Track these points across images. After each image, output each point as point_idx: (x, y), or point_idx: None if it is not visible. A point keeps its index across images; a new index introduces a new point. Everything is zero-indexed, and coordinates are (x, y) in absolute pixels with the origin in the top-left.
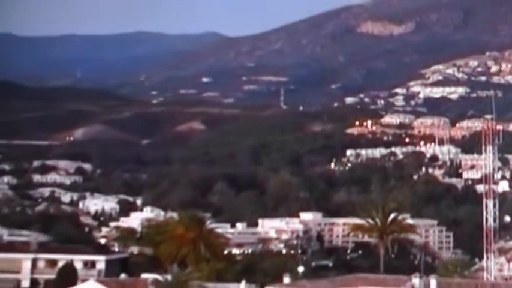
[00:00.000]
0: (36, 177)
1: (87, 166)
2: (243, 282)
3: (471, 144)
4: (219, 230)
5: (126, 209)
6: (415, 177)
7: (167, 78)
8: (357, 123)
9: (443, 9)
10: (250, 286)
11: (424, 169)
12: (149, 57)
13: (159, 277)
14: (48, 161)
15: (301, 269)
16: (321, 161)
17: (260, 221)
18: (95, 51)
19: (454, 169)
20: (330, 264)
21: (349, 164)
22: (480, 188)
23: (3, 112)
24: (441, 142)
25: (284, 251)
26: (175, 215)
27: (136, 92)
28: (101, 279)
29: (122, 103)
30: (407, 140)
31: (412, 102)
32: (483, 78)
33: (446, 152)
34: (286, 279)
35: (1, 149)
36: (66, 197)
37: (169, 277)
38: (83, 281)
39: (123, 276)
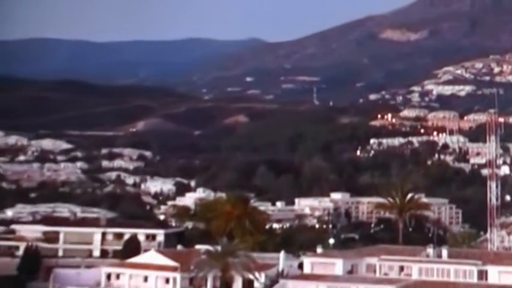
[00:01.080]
0: (105, 163)
1: (147, 153)
2: (282, 252)
3: (477, 134)
4: (261, 208)
5: (182, 190)
6: (429, 162)
7: (216, 78)
8: (379, 116)
9: (453, 19)
10: (288, 256)
11: (436, 155)
12: (201, 60)
13: (210, 248)
14: (115, 149)
15: (331, 241)
16: (349, 149)
17: (296, 200)
18: (155, 55)
19: (462, 155)
20: (356, 237)
21: (372, 151)
22: (484, 171)
23: (77, 107)
24: (451, 132)
25: (317, 226)
26: (223, 195)
27: (189, 90)
28: (161, 249)
29: (178, 99)
30: (422, 130)
31: (426, 99)
32: (487, 78)
33: (455, 141)
34: (319, 250)
35: (75, 138)
36: (130, 180)
37: (219, 248)
38: (145, 251)
39: (179, 247)
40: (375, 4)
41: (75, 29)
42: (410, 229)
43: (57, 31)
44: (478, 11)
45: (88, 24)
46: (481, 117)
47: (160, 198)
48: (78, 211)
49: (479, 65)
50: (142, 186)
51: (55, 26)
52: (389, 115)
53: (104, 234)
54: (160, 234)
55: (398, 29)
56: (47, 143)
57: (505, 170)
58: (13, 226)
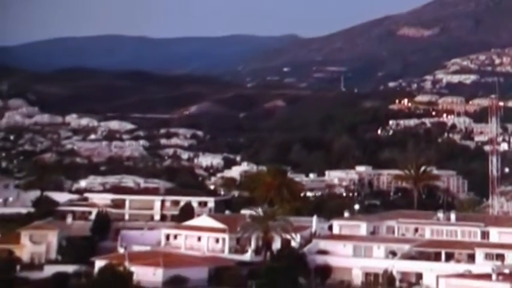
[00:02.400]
0: (163, 141)
1: (199, 133)
2: (315, 217)
3: (480, 116)
4: (297, 179)
5: (229, 163)
6: (439, 140)
7: (257, 68)
8: (396, 101)
9: (460, 18)
10: (320, 219)
11: (446, 134)
12: (244, 53)
13: (253, 213)
14: (172, 129)
15: (356, 207)
16: (371, 129)
17: (327, 172)
18: (204, 49)
19: (468, 134)
20: (378, 203)
21: (391, 131)
22: (487, 148)
23: (140, 93)
24: (458, 115)
25: (344, 194)
26: (264, 168)
27: (235, 78)
28: (211, 214)
29: (225, 87)
30: (433, 113)
31: (437, 86)
32: (489, 68)
33: (462, 122)
34: (346, 214)
35: (137, 120)
36: (184, 155)
37: (261, 213)
38: (198, 215)
39: (227, 212)
40: (393, 5)
41: (136, 27)
42: (424, 197)
43: (121, 29)
44: (481, 12)
45: (147, 23)
46: (483, 102)
47: (211, 171)
48: (141, 182)
49: (482, 57)
50: (195, 160)
51: (119, 24)
52: (406, 100)
53: (163, 202)
54: (211, 201)
55: (413, 27)
56: (114, 124)
57: (504, 146)
58: (86, 194)
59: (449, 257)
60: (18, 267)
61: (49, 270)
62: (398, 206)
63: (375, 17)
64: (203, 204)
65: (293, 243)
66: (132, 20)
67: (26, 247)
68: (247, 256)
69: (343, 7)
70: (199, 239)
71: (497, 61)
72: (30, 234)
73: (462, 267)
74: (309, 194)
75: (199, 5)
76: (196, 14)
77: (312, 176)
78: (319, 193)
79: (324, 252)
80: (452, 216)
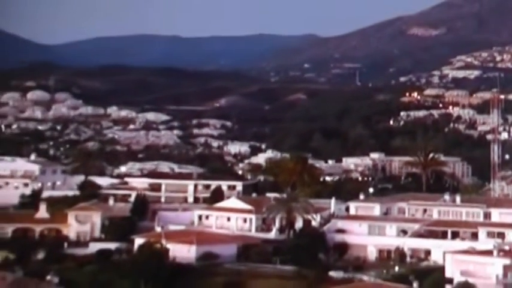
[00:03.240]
0: (195, 131)
1: (228, 123)
2: (333, 199)
3: (483, 108)
4: (317, 165)
5: (255, 151)
6: (446, 129)
7: (280, 64)
8: (407, 94)
9: (464, 19)
10: (338, 201)
11: (451, 124)
12: (268, 51)
13: (277, 195)
14: (203, 120)
15: (371, 190)
16: (384, 119)
17: (344, 158)
18: (232, 47)
19: (472, 124)
20: (390, 187)
21: (402, 121)
22: (489, 136)
23: (173, 88)
24: (463, 107)
25: (359, 178)
26: (287, 155)
27: (260, 74)
28: (239, 197)
29: (251, 81)
30: (440, 105)
31: (444, 81)
32: (491, 65)
33: (466, 113)
34: (361, 197)
35: (172, 112)
36: (215, 144)
37: (284, 195)
38: (227, 197)
39: (253, 195)
40: (404, 7)
41: (169, 27)
42: (431, 181)
43: (155, 29)
44: (484, 13)
45: (179, 23)
46: (486, 95)
47: (239, 157)
48: (176, 167)
49: (484, 54)
50: (225, 148)
51: (153, 25)
52: (415, 93)
53: (195, 185)
54: (239, 185)
55: (422, 27)
56: (151, 116)
57: (504, 135)
58: (126, 179)
59: (454, 235)
60: (65, 244)
61: (93, 247)
62: (409, 189)
63: (387, 18)
64: (232, 187)
65: (313, 223)
66: (166, 21)
67: (73, 226)
68: (272, 234)
69: (358, 9)
70: (228, 219)
71: (498, 58)
72: (76, 215)
73: (466, 245)
74: (327, 178)
75: (227, 7)
76: (224, 15)
77: (330, 162)
78: (337, 177)
79: (341, 231)
80: (458, 198)
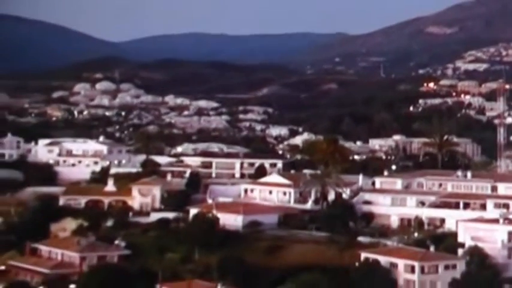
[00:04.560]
0: (241, 116)
1: (269, 109)
2: (361, 175)
3: (491, 96)
4: (346, 145)
5: (293, 133)
6: (458, 115)
7: (315, 59)
8: (425, 84)
9: (475, 19)
10: (365, 177)
11: (463, 111)
12: (304, 47)
13: (313, 172)
14: (247, 107)
15: (393, 167)
16: (404, 106)
17: (370, 140)
18: (273, 43)
19: (481, 110)
20: (410, 165)
21: (420, 108)
22: (496, 121)
23: (222, 79)
24: (473, 95)
25: (384, 157)
26: (321, 137)
27: (297, 67)
28: (280, 173)
29: (289, 73)
30: (454, 94)
31: (457, 72)
32: (497, 59)
33: (476, 101)
34: (385, 173)
35: (221, 100)
36: (258, 127)
37: (318, 172)
38: (269, 174)
39: (292, 171)
40: (422, 9)
41: (218, 26)
42: (446, 159)
43: (205, 27)
44: (491, 14)
45: (225, 23)
46: (493, 85)
47: (279, 139)
48: (224, 148)
49: (492, 50)
50: (266, 131)
51: (204, 24)
52: (432, 83)
53: (241, 163)
54: (279, 163)
55: (437, 26)
56: (202, 103)
57: (509, 120)
58: (182, 158)
59: (466, 206)
60: (130, 213)
61: (154, 216)
62: (426, 166)
63: (407, 18)
64: (273, 165)
65: (344, 196)
66: (215, 20)
67: (136, 198)
68: (308, 205)
69: (382, 10)
70: (270, 192)
71: (504, 53)
72: (139, 188)
73: (476, 214)
74: (356, 157)
75: (268, 8)
76: (265, 15)
77: (358, 143)
78: (364, 156)
79: (368, 202)
80: (469, 174)
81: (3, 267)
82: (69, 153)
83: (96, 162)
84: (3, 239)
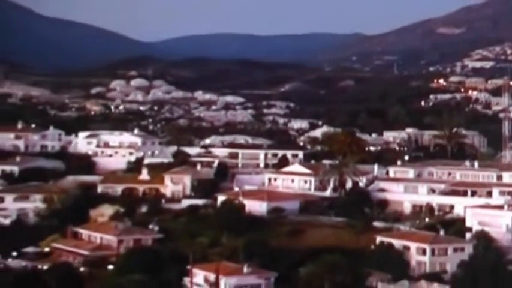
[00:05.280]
0: (265, 110)
1: (291, 104)
2: (376, 165)
3: (496, 92)
4: (363, 137)
5: (313, 126)
6: (466, 109)
7: (333, 57)
8: (435, 81)
9: (482, 20)
10: (380, 166)
11: (471, 105)
12: (322, 46)
13: (331, 162)
14: (271, 102)
15: (406, 157)
16: (416, 101)
17: (384, 132)
18: (294, 43)
19: (487, 105)
20: (421, 155)
21: (431, 103)
22: (501, 115)
23: (247, 76)
24: (480, 91)
25: (397, 148)
26: (339, 130)
27: (317, 65)
28: (301, 163)
29: (309, 71)
30: (462, 90)
31: (465, 70)
32: (503, 57)
33: (483, 96)
34: (399, 163)
35: (246, 95)
36: (281, 121)
37: (337, 162)
38: (291, 164)
39: (312, 161)
40: (433, 11)
41: (243, 26)
42: (455, 150)
43: (232, 28)
44: (498, 15)
45: (250, 23)
46: (499, 82)
47: (300, 131)
48: (249, 140)
49: (498, 49)
50: (288, 124)
51: (230, 24)
52: (442, 80)
53: (265, 154)
54: (300, 153)
55: (447, 26)
56: (229, 98)
57: None
58: (210, 149)
59: (473, 194)
60: (163, 200)
61: (185, 203)
62: (436, 157)
63: (419, 19)
64: (295, 155)
65: (360, 184)
66: (241, 21)
67: (168, 186)
68: (327, 193)
69: (396, 12)
70: (292, 180)
71: (509, 52)
72: (171, 177)
73: (483, 201)
74: (371, 148)
75: (290, 10)
76: (287, 16)
77: (373, 135)
78: (378, 148)
79: (382, 190)
80: (476, 164)
81: (47, 249)
82: (107, 145)
83: (131, 153)
84: (47, 224)
